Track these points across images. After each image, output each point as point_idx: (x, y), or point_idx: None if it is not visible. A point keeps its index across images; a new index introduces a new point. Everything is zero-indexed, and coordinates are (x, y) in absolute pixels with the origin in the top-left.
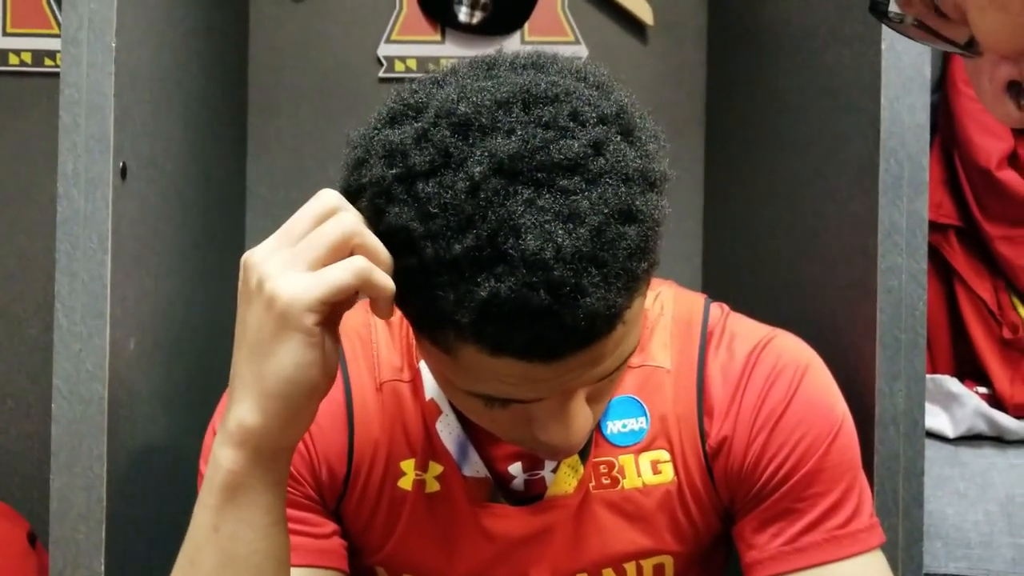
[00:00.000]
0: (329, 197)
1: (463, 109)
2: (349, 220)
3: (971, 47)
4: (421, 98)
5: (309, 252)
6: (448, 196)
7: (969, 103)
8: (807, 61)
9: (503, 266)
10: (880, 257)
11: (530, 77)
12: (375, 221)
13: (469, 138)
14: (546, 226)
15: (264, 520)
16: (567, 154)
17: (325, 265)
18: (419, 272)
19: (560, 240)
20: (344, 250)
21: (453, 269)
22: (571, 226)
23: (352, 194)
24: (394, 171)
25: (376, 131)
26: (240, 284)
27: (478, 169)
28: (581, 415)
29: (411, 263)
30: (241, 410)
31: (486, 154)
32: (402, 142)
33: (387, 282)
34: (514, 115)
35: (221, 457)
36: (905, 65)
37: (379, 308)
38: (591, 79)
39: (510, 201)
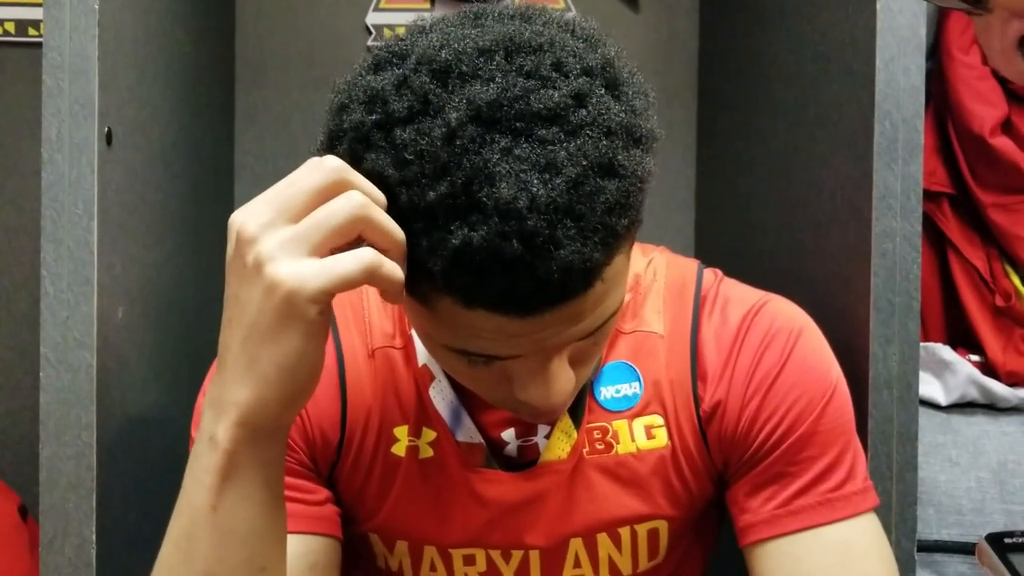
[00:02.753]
0: (333, 166)
1: (444, 56)
2: (358, 200)
3: (980, 3)
4: (405, 45)
5: (314, 235)
6: (424, 143)
7: (963, 69)
8: (801, 26)
9: (476, 215)
10: (874, 221)
11: (515, 26)
12: (353, 167)
13: (448, 85)
14: (521, 175)
15: (263, 497)
16: (547, 104)
17: (330, 248)
18: (395, 219)
19: (535, 190)
20: (352, 233)
21: (427, 216)
22: (547, 176)
23: (333, 139)
24: (373, 117)
25: (360, 77)
26: (230, 254)
27: (455, 116)
28: (562, 376)
29: (388, 210)
30: (237, 391)
31: (464, 101)
32: (383, 88)
33: (396, 274)
34: (495, 63)
35: (218, 436)
36: (900, 26)
37: (388, 296)
38: (579, 31)
39: (486, 149)
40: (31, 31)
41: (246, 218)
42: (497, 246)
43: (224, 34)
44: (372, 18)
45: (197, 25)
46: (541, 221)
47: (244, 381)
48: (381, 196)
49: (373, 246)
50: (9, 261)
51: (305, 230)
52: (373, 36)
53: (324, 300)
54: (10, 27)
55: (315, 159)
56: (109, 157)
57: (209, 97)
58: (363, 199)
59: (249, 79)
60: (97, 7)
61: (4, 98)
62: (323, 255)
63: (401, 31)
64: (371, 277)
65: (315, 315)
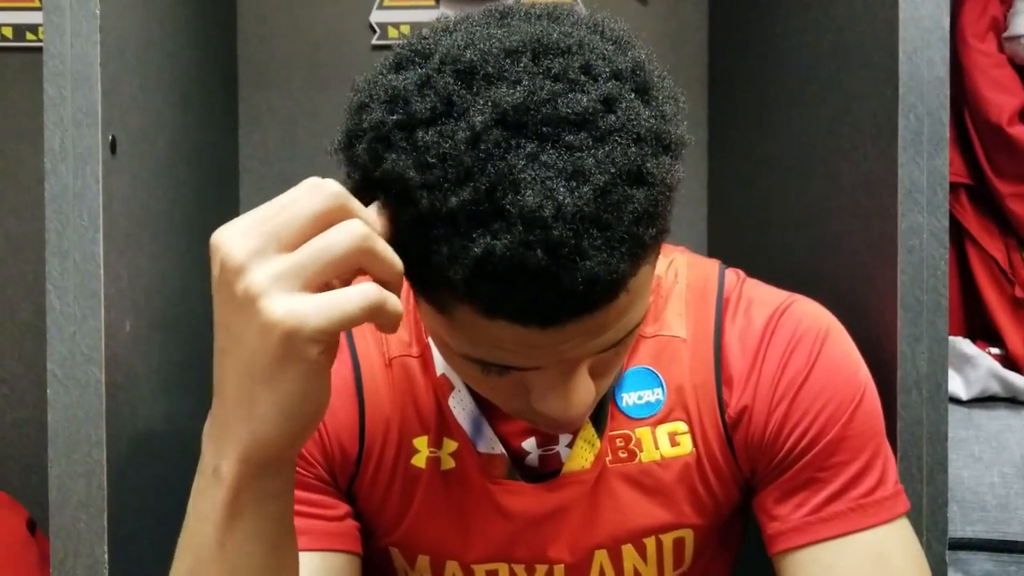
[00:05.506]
0: (334, 192)
1: (469, 56)
2: (360, 231)
3: None
4: (428, 44)
5: (311, 267)
6: (447, 146)
7: (979, 57)
8: (816, 16)
9: (500, 222)
10: (900, 216)
11: (543, 27)
12: (372, 167)
13: (473, 87)
14: (547, 183)
15: (273, 531)
16: (575, 108)
17: (327, 281)
18: (415, 223)
19: (561, 198)
20: (352, 267)
21: (449, 223)
22: (574, 184)
23: (352, 138)
24: (394, 117)
25: (381, 76)
26: (215, 277)
27: (480, 119)
28: (582, 387)
29: (407, 213)
30: (238, 428)
31: (489, 104)
32: (405, 88)
33: (398, 310)
34: (522, 65)
35: (222, 471)
36: (923, 16)
37: (384, 327)
38: (608, 33)
39: (511, 155)
40: (29, 36)
41: (232, 241)
42: (521, 256)
43: (226, 36)
44: (376, 16)
45: (198, 28)
46: (567, 231)
47: (244, 419)
48: (379, 222)
49: (373, 277)
50: (12, 270)
51: (302, 262)
52: (377, 34)
53: (325, 340)
54: (8, 32)
55: (313, 180)
56: (113, 166)
57: (212, 101)
58: (365, 229)
59: (252, 81)
60: (98, 12)
61: (2, 105)
62: (317, 289)
63: (406, 29)
64: (375, 316)
65: (316, 356)
